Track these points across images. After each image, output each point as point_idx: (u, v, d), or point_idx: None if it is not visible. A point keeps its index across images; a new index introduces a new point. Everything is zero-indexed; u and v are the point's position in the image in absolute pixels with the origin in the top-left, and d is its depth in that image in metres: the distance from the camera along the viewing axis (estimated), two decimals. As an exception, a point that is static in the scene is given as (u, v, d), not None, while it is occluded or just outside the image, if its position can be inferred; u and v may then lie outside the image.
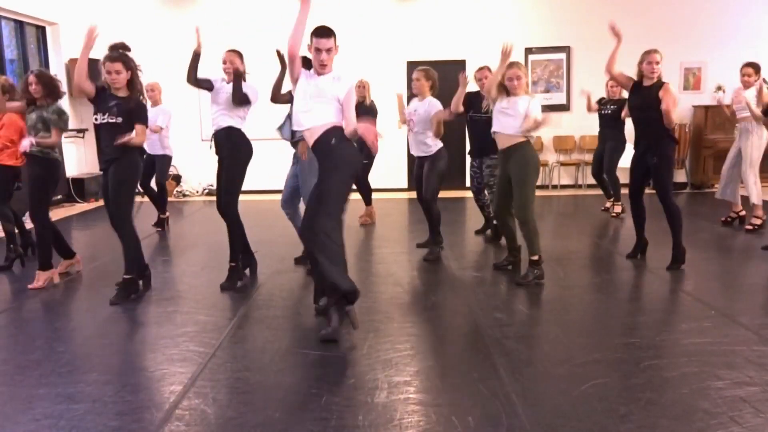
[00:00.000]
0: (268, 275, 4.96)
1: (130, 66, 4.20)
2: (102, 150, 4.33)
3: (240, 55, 4.61)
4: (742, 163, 6.27)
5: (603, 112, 7.38)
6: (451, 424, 2.56)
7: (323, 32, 3.50)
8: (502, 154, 4.64)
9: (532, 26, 9.65)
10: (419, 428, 2.55)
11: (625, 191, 5.46)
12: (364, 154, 6.54)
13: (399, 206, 6.92)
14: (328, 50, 3.51)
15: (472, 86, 6.00)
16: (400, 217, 6.68)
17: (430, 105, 5.30)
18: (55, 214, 6.90)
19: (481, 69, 5.95)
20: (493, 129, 4.66)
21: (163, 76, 9.42)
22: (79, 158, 9.69)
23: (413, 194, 9.34)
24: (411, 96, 5.94)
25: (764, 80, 6.18)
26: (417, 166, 5.56)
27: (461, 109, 5.33)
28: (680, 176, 9.89)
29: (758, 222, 6.24)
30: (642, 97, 4.82)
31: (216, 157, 4.65)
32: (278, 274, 5.00)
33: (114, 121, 4.17)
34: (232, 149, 4.57)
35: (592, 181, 9.91)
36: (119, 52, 4.19)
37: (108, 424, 2.61)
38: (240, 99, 4.48)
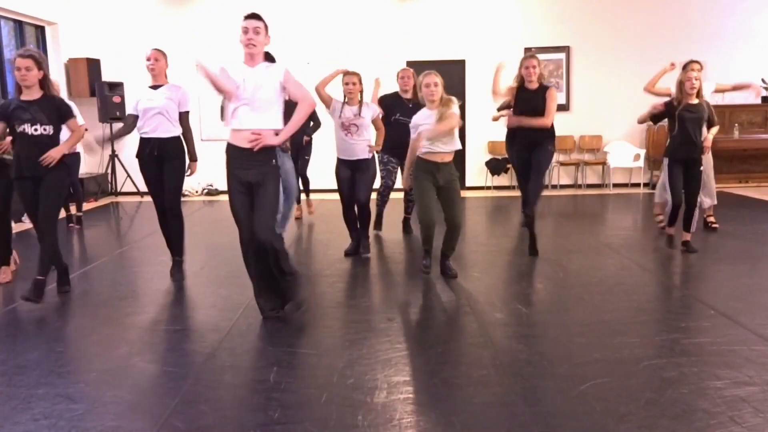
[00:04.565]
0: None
1: (43, 66, 4.12)
2: (28, 160, 4.13)
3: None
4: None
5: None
6: (450, 423, 2.57)
7: (250, 15, 3.62)
8: (434, 165, 4.49)
9: (532, 26, 9.64)
10: (418, 428, 2.56)
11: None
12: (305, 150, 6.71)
13: (397, 206, 6.88)
14: (256, 30, 3.58)
15: (392, 87, 6.07)
16: (397, 217, 6.67)
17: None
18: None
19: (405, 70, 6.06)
20: (436, 150, 4.45)
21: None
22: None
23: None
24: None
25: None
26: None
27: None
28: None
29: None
30: (525, 101, 5.33)
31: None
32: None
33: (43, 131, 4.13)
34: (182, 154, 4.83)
35: (591, 180, 9.96)
36: (31, 51, 4.12)
37: (107, 425, 2.61)
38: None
